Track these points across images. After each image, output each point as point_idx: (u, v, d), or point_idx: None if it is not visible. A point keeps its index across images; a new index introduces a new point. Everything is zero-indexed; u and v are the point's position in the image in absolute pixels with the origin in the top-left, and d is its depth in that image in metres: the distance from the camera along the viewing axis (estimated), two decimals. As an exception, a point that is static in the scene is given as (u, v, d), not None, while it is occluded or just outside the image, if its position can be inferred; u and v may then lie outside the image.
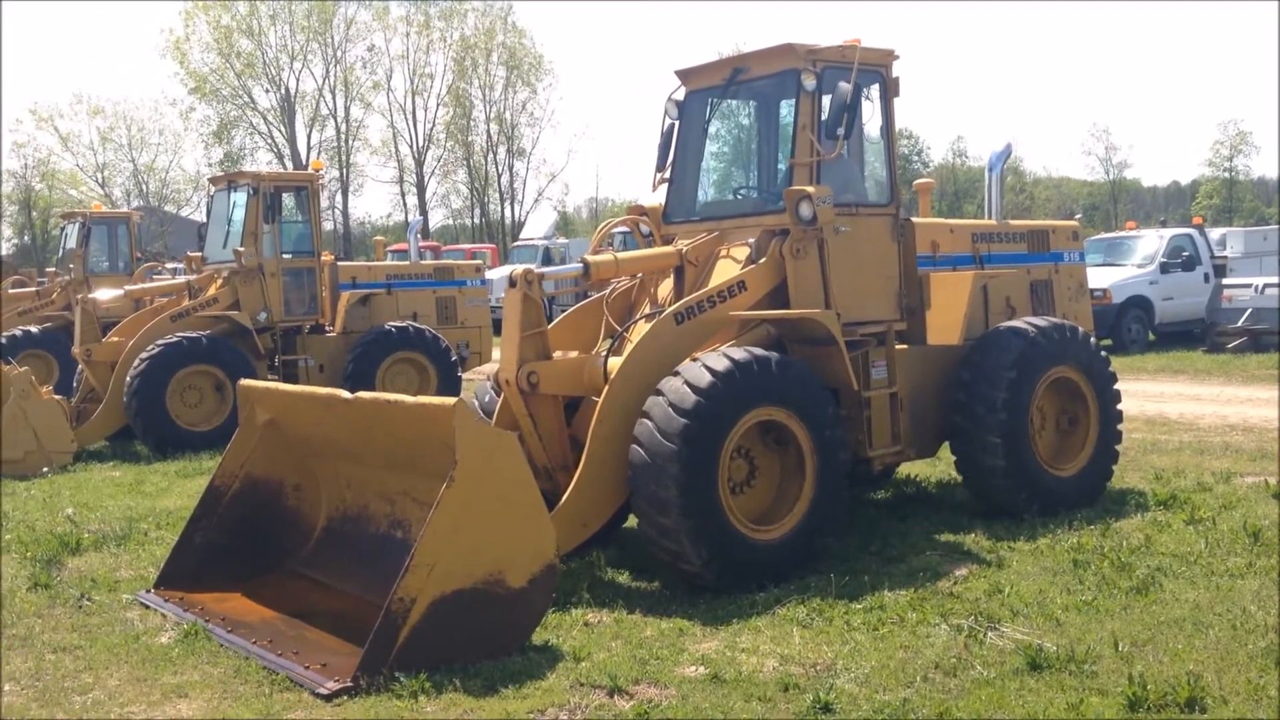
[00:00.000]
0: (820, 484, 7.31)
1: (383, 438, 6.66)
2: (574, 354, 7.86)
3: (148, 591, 7.30)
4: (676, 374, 7.00)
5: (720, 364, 6.94)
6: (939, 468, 10.37)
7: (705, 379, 6.84)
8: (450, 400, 5.81)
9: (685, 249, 8.21)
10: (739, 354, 7.09)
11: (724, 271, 8.02)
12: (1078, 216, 15.00)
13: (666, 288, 8.39)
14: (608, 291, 8.46)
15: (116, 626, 6.76)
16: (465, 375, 17.12)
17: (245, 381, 7.75)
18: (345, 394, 6.58)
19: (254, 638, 6.26)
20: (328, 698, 5.38)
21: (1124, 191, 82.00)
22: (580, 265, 7.91)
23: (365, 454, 7.06)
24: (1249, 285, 20.38)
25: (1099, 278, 20.05)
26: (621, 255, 8.21)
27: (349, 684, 5.43)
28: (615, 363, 7.38)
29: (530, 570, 5.92)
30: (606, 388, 7.19)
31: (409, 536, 6.57)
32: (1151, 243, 22.83)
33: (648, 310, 8.28)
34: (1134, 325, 21.57)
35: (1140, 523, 8.22)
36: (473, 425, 5.79)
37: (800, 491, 7.30)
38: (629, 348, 7.43)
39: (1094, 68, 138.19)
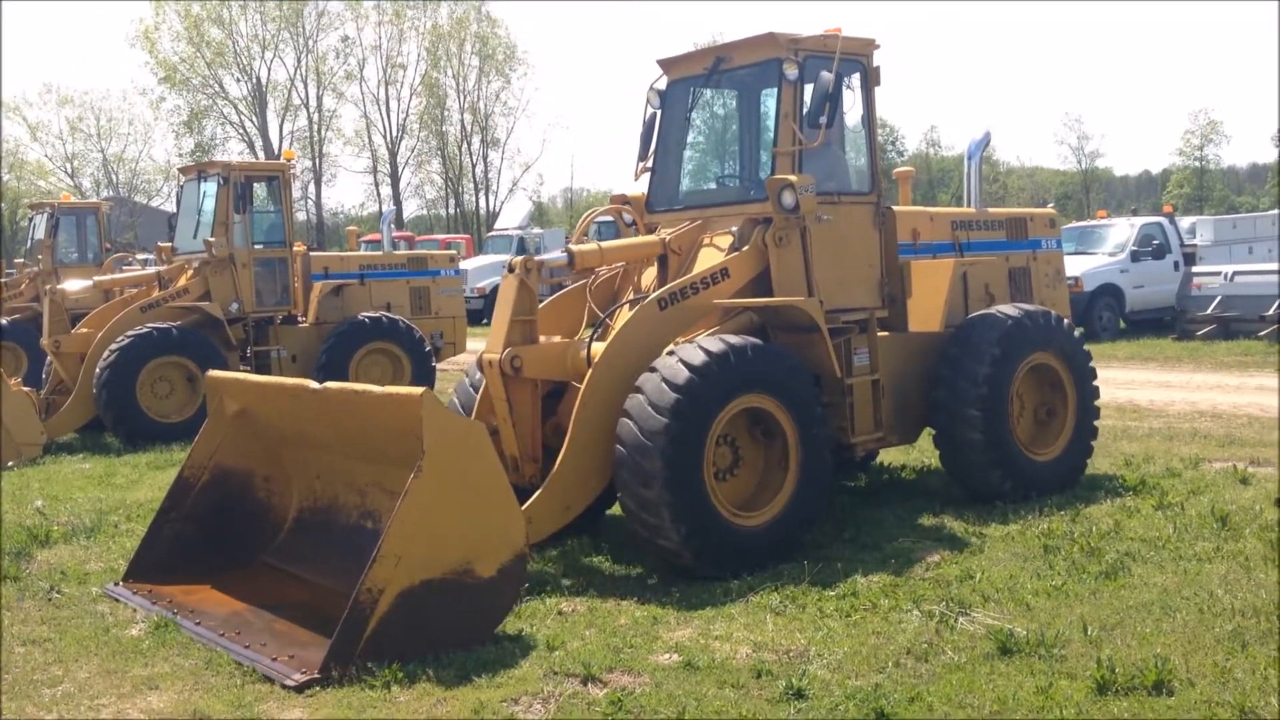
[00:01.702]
0: (803, 479, 7.35)
1: (352, 428, 6.63)
2: (557, 339, 7.86)
3: (116, 584, 7.25)
4: (671, 353, 7.08)
5: (715, 346, 7.04)
6: (913, 455, 10.43)
7: (699, 358, 6.93)
8: (417, 390, 5.78)
9: (668, 238, 8.23)
10: (734, 339, 7.19)
11: (707, 260, 8.05)
12: (1050, 206, 15.15)
13: (650, 277, 8.40)
14: (590, 279, 8.47)
15: (86, 619, 6.71)
16: (439, 365, 17.07)
17: (213, 372, 7.70)
18: (313, 384, 6.55)
19: (222, 630, 6.23)
20: (295, 689, 5.37)
21: (1096, 181, 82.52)
22: (564, 254, 7.92)
23: (335, 444, 7.03)
24: (1218, 273, 20.57)
25: (1070, 266, 20.12)
26: (605, 244, 8.22)
27: (316, 675, 5.42)
28: (599, 348, 7.40)
29: (500, 559, 5.91)
30: (590, 372, 7.22)
31: (379, 527, 6.55)
32: (1122, 231, 23.00)
33: (631, 298, 8.29)
34: (1105, 313, 21.76)
35: (1110, 508, 8.29)
36: (440, 415, 5.78)
37: (783, 483, 7.34)
38: (612, 333, 7.44)
39: (1067, 57, 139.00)
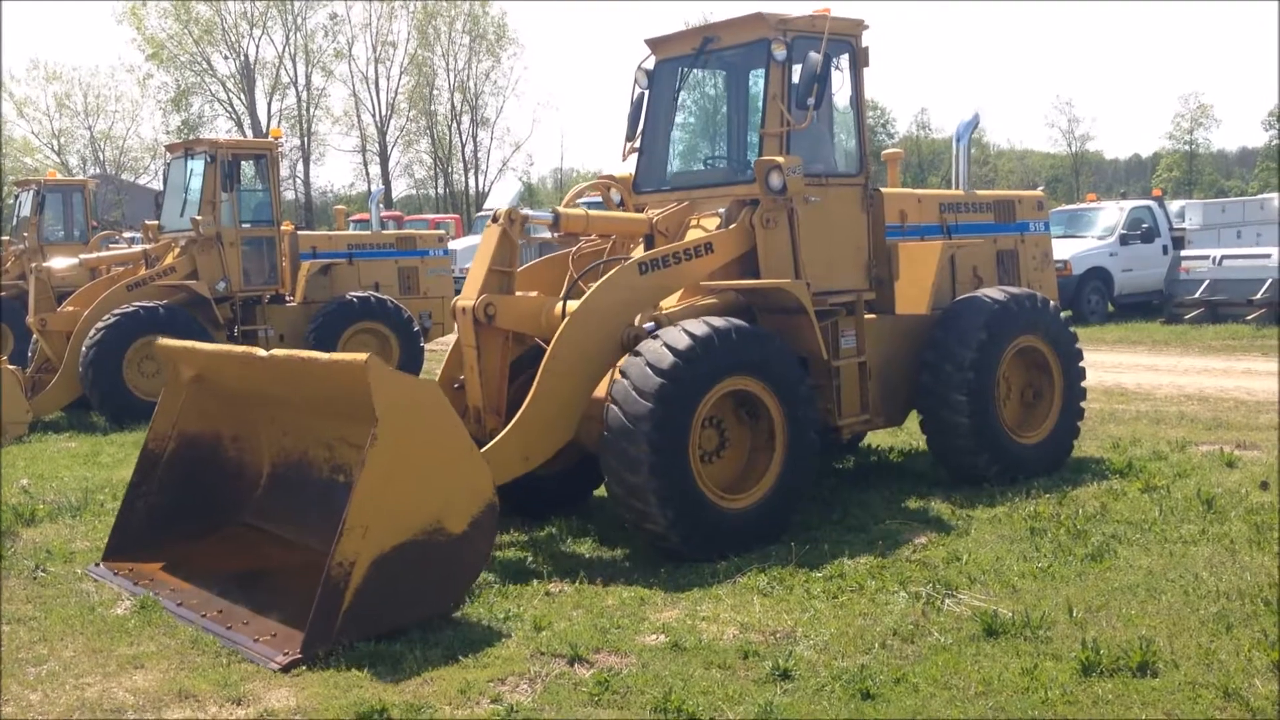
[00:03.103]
0: (789, 459, 7.34)
1: (306, 392, 6.58)
2: (534, 294, 7.84)
3: (97, 565, 7.22)
4: (655, 337, 7.03)
5: (700, 329, 6.98)
6: (900, 437, 10.44)
7: (684, 342, 6.88)
8: (362, 356, 5.66)
9: (656, 219, 8.19)
10: (719, 322, 7.13)
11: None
12: (1040, 188, 15.09)
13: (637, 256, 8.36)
14: (575, 247, 8.44)
15: (72, 598, 6.69)
16: (428, 345, 17.04)
17: (163, 340, 7.61)
18: (261, 352, 6.48)
19: (204, 610, 6.20)
20: (281, 671, 5.36)
21: (1086, 164, 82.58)
22: (550, 214, 7.89)
23: (295, 404, 6.96)
24: (1207, 257, 20.60)
25: (1060, 249, 20.20)
26: (592, 212, 8.18)
27: (299, 656, 5.40)
28: (574, 305, 7.36)
29: (469, 513, 5.89)
30: (563, 324, 7.18)
31: (351, 480, 6.51)
32: (1111, 215, 23.04)
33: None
34: (1093, 296, 21.81)
35: (1096, 491, 8.32)
36: (388, 379, 5.68)
37: (769, 465, 7.33)
38: (589, 291, 7.40)
39: (1058, 40, 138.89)
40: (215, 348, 7.35)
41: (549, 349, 7.13)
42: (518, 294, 7.64)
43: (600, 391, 7.22)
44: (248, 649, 5.64)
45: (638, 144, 8.75)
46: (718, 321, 7.14)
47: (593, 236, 8.41)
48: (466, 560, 5.95)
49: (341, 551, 5.49)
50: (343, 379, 5.82)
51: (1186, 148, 77.99)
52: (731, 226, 7.88)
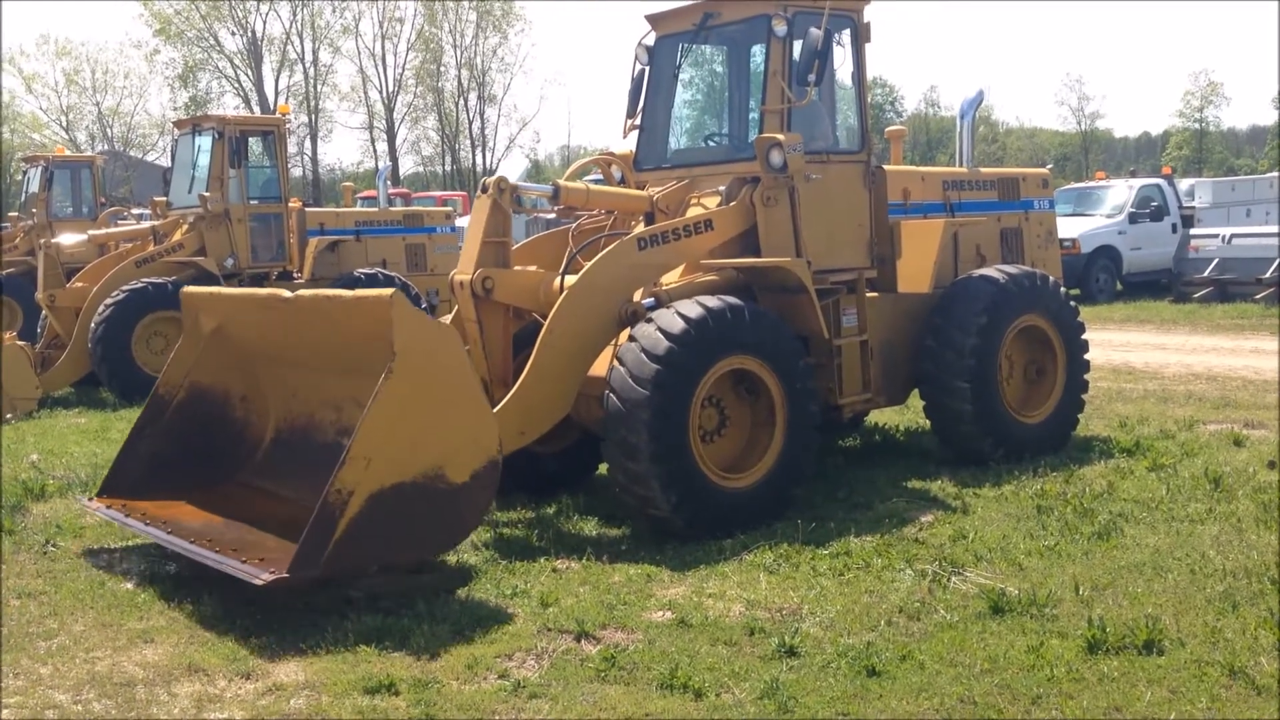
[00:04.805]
0: (790, 435, 7.32)
1: (324, 339, 6.56)
2: (533, 268, 7.83)
3: (91, 499, 7.22)
4: (650, 320, 6.98)
5: (693, 311, 6.93)
6: (907, 416, 10.43)
7: (678, 326, 6.83)
8: (387, 291, 5.67)
9: (656, 196, 8.16)
10: (713, 302, 7.07)
11: None
12: (1049, 166, 14.94)
13: None
14: (574, 224, 8.41)
15: (81, 572, 6.73)
16: (435, 323, 17.04)
17: (188, 289, 7.58)
18: (285, 293, 6.48)
19: (194, 539, 6.19)
20: (264, 588, 5.38)
21: (1095, 142, 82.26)
22: (551, 187, 7.87)
23: (309, 358, 6.94)
24: (1216, 236, 20.52)
25: (1068, 227, 20.20)
26: (593, 187, 8.14)
27: (284, 575, 5.39)
28: (572, 280, 7.34)
29: (472, 465, 5.89)
30: (560, 299, 7.15)
31: None
32: (1120, 193, 22.93)
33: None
34: (1102, 275, 21.73)
35: (1103, 469, 8.31)
36: (411, 317, 5.69)
37: (770, 442, 7.31)
38: (587, 266, 7.37)
39: (1069, 17, 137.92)
40: (240, 291, 7.34)
41: (546, 323, 7.11)
42: (516, 268, 7.62)
43: (597, 369, 7.21)
44: (234, 569, 5.61)
45: (638, 121, 8.70)
46: (712, 302, 7.07)
47: (594, 212, 8.38)
48: (464, 512, 5.94)
49: (341, 479, 5.48)
50: (366, 317, 5.80)
51: (1196, 126, 77.63)
52: (732, 204, 7.84)
